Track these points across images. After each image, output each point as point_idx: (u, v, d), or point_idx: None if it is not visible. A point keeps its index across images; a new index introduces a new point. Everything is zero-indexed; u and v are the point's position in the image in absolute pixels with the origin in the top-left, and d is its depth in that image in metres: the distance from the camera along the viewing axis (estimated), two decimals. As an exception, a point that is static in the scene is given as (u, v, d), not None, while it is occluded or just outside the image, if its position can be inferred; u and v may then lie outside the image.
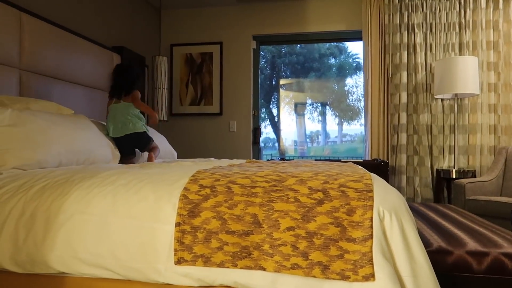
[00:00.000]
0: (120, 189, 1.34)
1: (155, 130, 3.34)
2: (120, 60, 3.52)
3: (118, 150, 2.59)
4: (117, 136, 2.60)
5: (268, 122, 5.65)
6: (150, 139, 2.75)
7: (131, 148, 2.68)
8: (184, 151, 4.63)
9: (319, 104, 5.67)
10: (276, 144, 5.61)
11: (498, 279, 1.29)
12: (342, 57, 5.76)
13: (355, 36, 4.38)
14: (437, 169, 3.86)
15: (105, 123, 2.76)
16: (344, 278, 1.09)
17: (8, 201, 1.38)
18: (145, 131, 2.69)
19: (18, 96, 2.38)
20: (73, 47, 2.89)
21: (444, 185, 3.92)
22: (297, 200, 1.20)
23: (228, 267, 1.17)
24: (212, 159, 2.89)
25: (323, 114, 5.69)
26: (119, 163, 2.59)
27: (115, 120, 2.61)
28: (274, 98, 5.71)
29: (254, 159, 2.96)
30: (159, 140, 3.29)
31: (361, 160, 3.86)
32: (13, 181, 1.48)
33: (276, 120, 5.60)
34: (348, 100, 5.64)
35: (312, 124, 5.70)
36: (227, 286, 1.20)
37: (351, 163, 2.25)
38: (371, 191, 1.19)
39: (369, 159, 4.07)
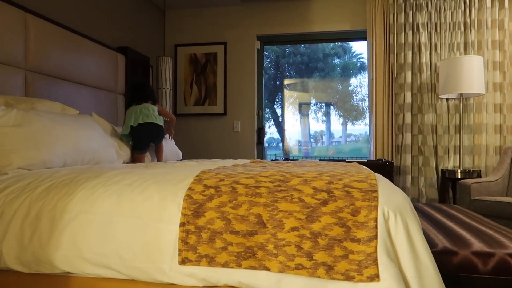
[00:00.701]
0: (125, 189, 1.35)
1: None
2: (124, 61, 3.53)
3: (138, 140, 2.74)
4: (145, 122, 2.73)
5: (272, 122, 5.65)
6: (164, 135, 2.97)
7: (150, 139, 2.84)
8: (189, 151, 4.64)
9: (323, 104, 5.66)
10: (280, 144, 5.60)
11: (503, 280, 1.28)
12: (346, 57, 5.75)
13: (360, 35, 4.37)
14: (442, 169, 3.85)
15: (110, 124, 2.79)
16: (349, 278, 1.09)
17: (13, 201, 1.39)
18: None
19: (24, 96, 2.40)
20: (78, 47, 2.90)
21: (449, 185, 3.90)
22: (301, 200, 1.20)
23: (232, 267, 1.17)
24: (218, 160, 2.90)
25: (327, 114, 5.68)
26: (134, 153, 2.77)
27: (143, 112, 2.77)
28: (278, 98, 5.71)
29: (258, 159, 2.96)
30: (164, 140, 3.30)
31: (366, 160, 3.85)
32: (18, 181, 1.49)
33: (280, 120, 5.60)
34: (352, 100, 5.63)
35: (316, 124, 5.70)
36: (232, 286, 1.20)
37: (356, 163, 2.24)
38: (375, 191, 1.19)
39: (374, 159, 4.06)
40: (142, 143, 2.74)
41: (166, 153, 3.24)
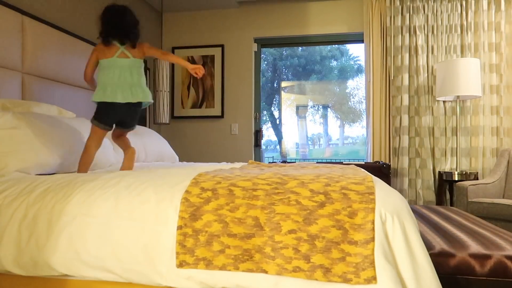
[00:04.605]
0: (122, 191, 1.35)
1: (157, 133, 3.33)
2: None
3: (115, 121, 2.04)
4: (126, 102, 1.97)
5: (269, 124, 5.66)
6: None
7: (132, 121, 2.11)
8: (186, 154, 4.63)
9: (320, 107, 5.68)
10: (278, 147, 5.61)
11: (501, 282, 1.29)
12: (343, 59, 5.77)
13: (357, 38, 4.38)
14: (439, 172, 3.85)
15: None
16: (346, 281, 1.09)
17: (10, 204, 1.38)
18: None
19: (20, 99, 2.39)
20: (75, 50, 2.90)
21: (447, 188, 3.91)
22: (298, 202, 1.20)
23: (230, 270, 1.17)
24: (222, 163, 2.87)
25: (324, 116, 5.69)
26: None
27: (122, 80, 1.99)
28: (275, 101, 5.71)
29: (255, 161, 2.95)
30: (161, 143, 3.29)
31: (363, 163, 3.85)
32: (15, 184, 1.48)
33: (277, 123, 5.61)
34: (349, 102, 5.64)
35: (313, 127, 5.71)
36: (229, 289, 1.20)
37: (353, 165, 2.24)
38: (373, 193, 1.19)
39: (371, 161, 4.07)
40: (128, 123, 2.06)
41: (162, 155, 3.23)
